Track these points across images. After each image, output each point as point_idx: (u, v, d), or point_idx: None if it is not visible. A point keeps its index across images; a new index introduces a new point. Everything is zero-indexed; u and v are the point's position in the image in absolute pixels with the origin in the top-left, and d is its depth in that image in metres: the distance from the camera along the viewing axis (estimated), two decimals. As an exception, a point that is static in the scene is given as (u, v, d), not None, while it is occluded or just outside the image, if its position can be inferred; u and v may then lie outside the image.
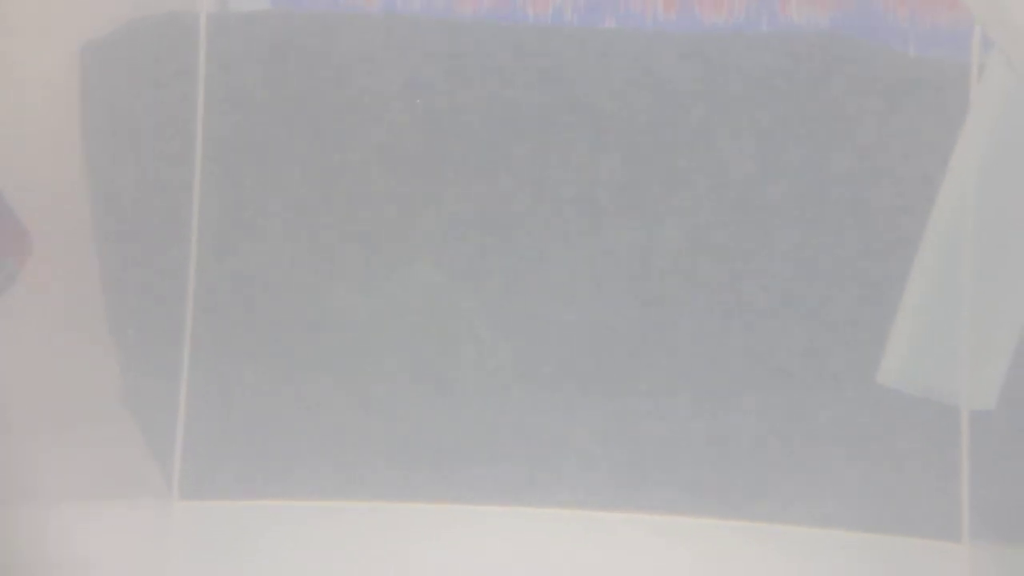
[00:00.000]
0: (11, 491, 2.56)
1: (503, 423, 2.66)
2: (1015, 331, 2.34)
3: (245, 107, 2.71)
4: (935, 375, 2.36)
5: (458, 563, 2.56)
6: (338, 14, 2.76)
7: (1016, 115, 2.30)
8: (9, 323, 2.58)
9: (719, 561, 2.57)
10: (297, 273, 2.69)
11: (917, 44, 2.67)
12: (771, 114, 2.63)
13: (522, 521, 2.61)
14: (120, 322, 2.69)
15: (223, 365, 2.66)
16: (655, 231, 2.66)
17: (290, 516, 2.59)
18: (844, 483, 2.59)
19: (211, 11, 2.74)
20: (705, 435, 2.62)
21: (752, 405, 2.62)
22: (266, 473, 2.64)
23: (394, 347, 2.67)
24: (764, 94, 2.64)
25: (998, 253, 2.34)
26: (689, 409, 2.63)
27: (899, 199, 2.57)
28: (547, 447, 2.65)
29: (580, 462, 2.65)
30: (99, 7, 2.77)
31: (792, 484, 2.61)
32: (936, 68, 2.61)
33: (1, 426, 2.59)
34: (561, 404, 2.65)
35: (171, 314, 2.66)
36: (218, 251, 2.68)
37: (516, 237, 2.68)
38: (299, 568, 2.53)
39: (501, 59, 2.68)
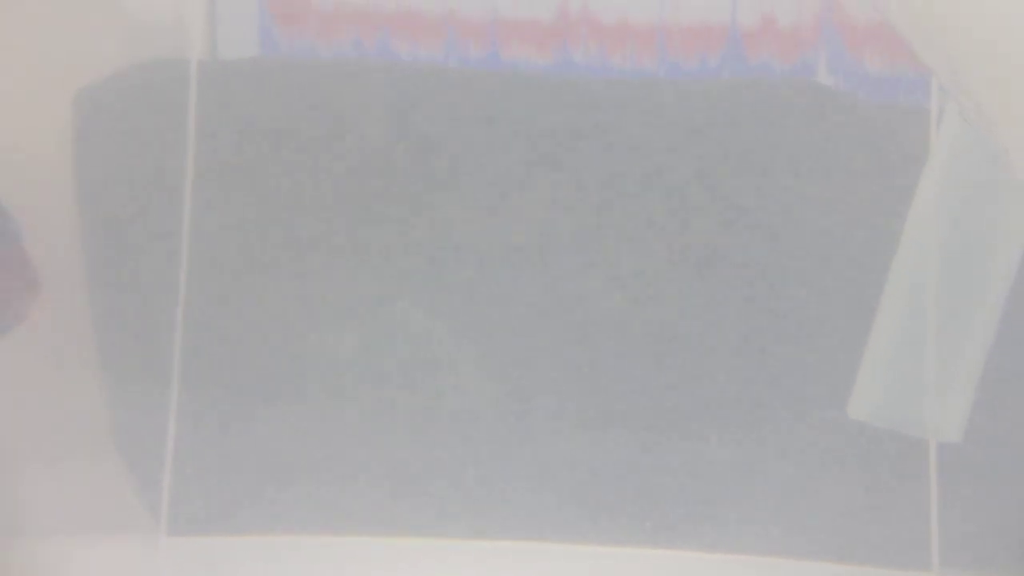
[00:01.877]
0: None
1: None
2: (978, 365, 2.39)
3: (236, 151, 2.75)
4: (903, 408, 2.40)
5: None
6: (328, 62, 2.80)
7: (973, 156, 2.35)
8: (1, 360, 2.61)
9: None
10: (285, 311, 2.72)
11: (881, 90, 2.72)
12: (734, 159, 2.67)
13: (510, 555, 2.63)
14: (110, 359, 2.72)
15: (211, 402, 2.68)
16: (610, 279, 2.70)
17: (277, 551, 2.60)
18: (816, 513, 2.62)
19: (202, 58, 2.79)
20: (679, 465, 2.65)
21: (720, 436, 2.65)
22: (253, 508, 2.65)
23: (379, 380, 2.69)
24: (728, 139, 2.67)
25: (961, 290, 2.39)
26: (673, 440, 2.65)
27: (863, 240, 2.61)
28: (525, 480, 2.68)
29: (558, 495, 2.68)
30: (93, 53, 2.81)
31: (762, 514, 2.63)
32: (899, 113, 2.66)
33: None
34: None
35: (160, 352, 2.69)
36: (207, 293, 2.72)
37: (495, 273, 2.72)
38: None
39: (487, 108, 2.72)
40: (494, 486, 2.66)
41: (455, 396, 2.68)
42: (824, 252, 2.62)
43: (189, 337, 2.68)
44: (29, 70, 2.77)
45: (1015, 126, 1.84)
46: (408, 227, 2.72)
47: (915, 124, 2.58)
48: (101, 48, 2.81)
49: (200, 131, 2.75)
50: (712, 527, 2.63)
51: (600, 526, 2.64)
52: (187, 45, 2.80)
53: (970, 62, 1.87)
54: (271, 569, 2.58)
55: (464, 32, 2.83)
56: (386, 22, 2.84)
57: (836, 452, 2.59)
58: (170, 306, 2.69)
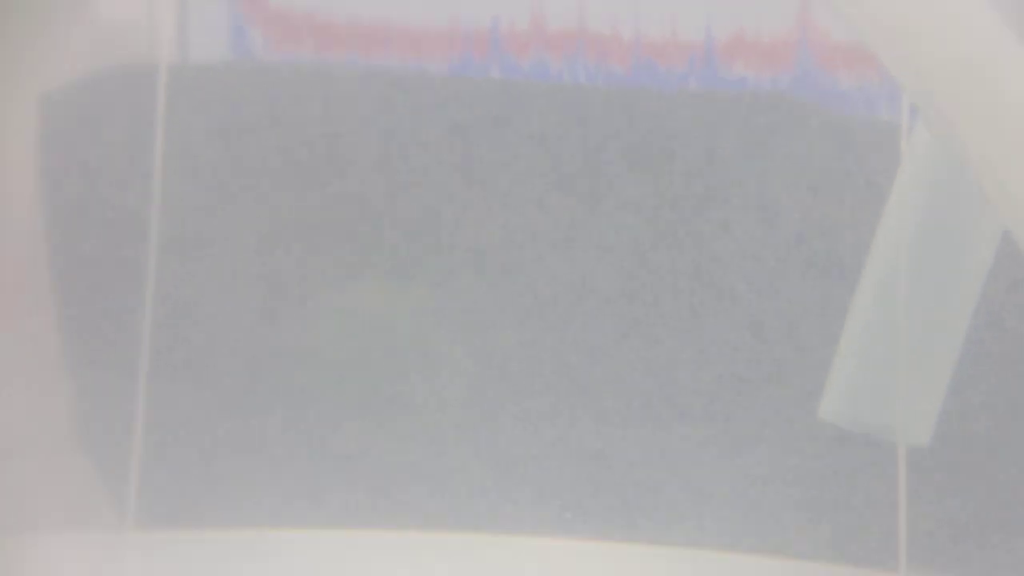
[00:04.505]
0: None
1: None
2: (948, 369, 2.44)
3: (204, 158, 2.76)
4: (873, 412, 2.44)
5: None
6: (302, 67, 2.82)
7: (943, 163, 2.41)
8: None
9: None
10: (255, 302, 2.73)
11: (852, 104, 2.77)
12: (706, 172, 2.71)
13: (484, 548, 2.64)
14: (75, 351, 2.71)
15: (177, 396, 2.69)
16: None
17: (247, 545, 2.59)
18: (781, 508, 2.65)
19: (172, 62, 2.79)
20: (643, 457, 2.68)
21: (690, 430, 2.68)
22: (222, 502, 2.66)
23: (348, 374, 2.70)
24: (699, 152, 2.72)
25: (931, 295, 2.44)
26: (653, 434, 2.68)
27: (836, 247, 2.66)
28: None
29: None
30: (59, 57, 2.81)
31: (726, 509, 2.66)
32: (871, 127, 2.72)
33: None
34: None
35: (127, 343, 2.68)
36: (173, 294, 2.72)
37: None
38: None
39: (467, 114, 2.75)
40: (466, 478, 2.69)
41: (429, 387, 2.70)
42: (797, 260, 2.68)
43: (157, 329, 2.69)
44: (-7, 72, 2.77)
45: (982, 146, 1.89)
46: (381, 225, 2.75)
47: (887, 137, 2.64)
48: (68, 51, 2.81)
49: (170, 135, 2.76)
50: (673, 520, 2.67)
51: (564, 519, 2.67)
52: (157, 48, 2.81)
53: (938, 80, 1.92)
54: (242, 563, 2.57)
55: (432, 40, 2.86)
56: (359, 31, 2.87)
57: (805, 450, 2.63)
58: (138, 300, 2.70)
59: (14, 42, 2.77)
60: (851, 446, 2.57)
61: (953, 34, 1.93)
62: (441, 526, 2.65)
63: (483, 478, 2.72)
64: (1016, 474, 2.59)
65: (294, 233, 2.74)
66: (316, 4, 2.84)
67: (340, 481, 2.68)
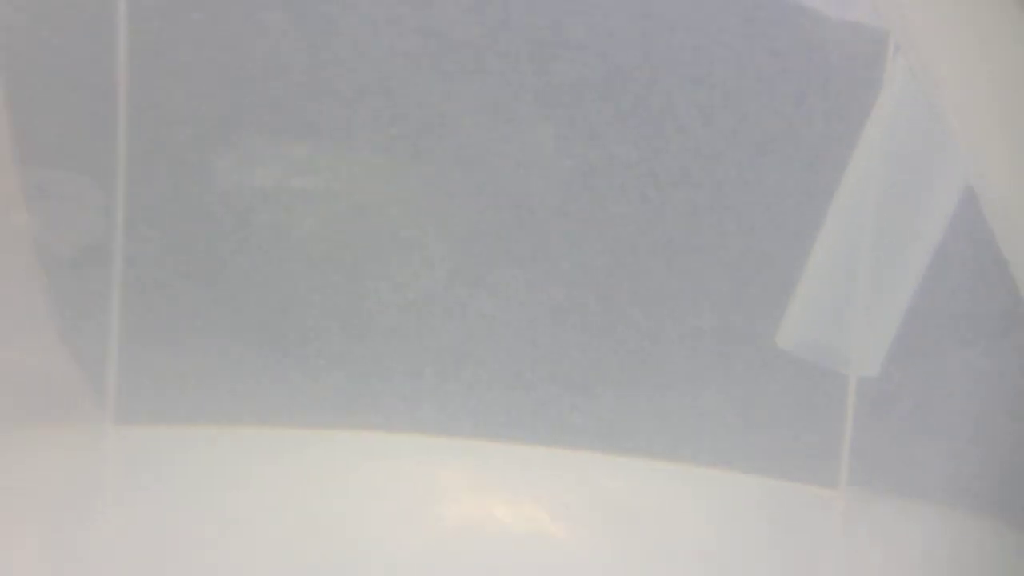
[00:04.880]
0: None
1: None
2: (903, 305, 2.55)
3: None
4: (827, 343, 2.55)
5: (382, 488, 2.66)
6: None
7: (919, 104, 2.49)
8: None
9: (595, 494, 2.71)
10: (230, 193, 2.73)
11: (836, 6, 2.78)
12: (684, 74, 2.75)
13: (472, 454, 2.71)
14: (48, 245, 2.72)
15: (156, 291, 2.71)
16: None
17: (227, 441, 2.66)
18: (722, 421, 2.74)
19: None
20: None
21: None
22: (202, 398, 2.68)
23: (334, 262, 2.72)
24: (678, 53, 2.75)
25: (896, 233, 2.54)
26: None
27: (812, 161, 2.71)
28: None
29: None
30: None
31: (668, 420, 2.74)
32: (854, 31, 2.73)
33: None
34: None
35: (102, 235, 2.71)
36: (149, 175, 2.72)
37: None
38: (234, 491, 2.61)
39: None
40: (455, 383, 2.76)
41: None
42: (771, 174, 2.72)
43: (132, 222, 2.71)
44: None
45: (956, 88, 1.96)
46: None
47: (872, 44, 2.67)
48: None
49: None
50: (606, 429, 2.74)
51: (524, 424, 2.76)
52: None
53: (921, 28, 1.99)
54: (219, 458, 2.64)
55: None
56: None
57: (757, 370, 2.72)
58: (110, 188, 2.71)
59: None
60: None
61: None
62: (433, 429, 2.70)
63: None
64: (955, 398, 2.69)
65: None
66: None
67: (322, 377, 2.74)
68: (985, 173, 1.93)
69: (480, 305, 2.75)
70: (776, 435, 2.72)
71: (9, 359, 2.65)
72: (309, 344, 2.72)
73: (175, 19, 2.75)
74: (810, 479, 2.68)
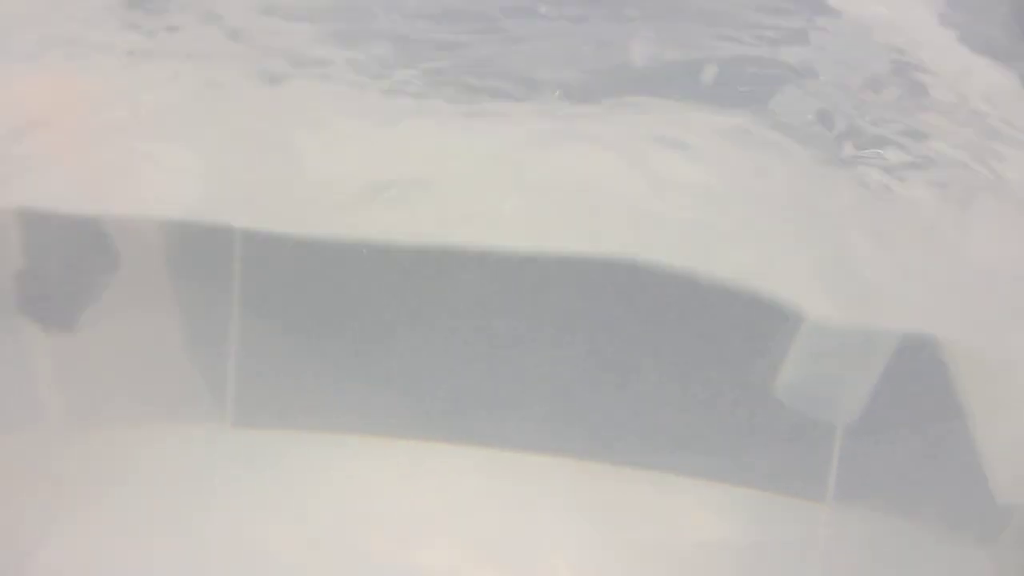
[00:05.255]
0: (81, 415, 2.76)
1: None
2: (882, 363, 2.65)
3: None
4: (817, 400, 2.65)
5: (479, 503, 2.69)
6: None
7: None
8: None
9: (578, 503, 2.67)
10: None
11: None
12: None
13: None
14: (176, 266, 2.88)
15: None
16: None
17: (342, 448, 2.73)
18: (713, 433, 2.73)
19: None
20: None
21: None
22: (317, 404, 2.77)
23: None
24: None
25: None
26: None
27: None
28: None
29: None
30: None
31: (657, 433, 2.73)
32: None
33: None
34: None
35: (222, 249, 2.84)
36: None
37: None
38: (343, 497, 2.67)
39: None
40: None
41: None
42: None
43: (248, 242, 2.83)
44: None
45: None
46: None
47: None
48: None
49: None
50: (594, 442, 2.73)
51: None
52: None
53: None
54: (337, 464, 2.70)
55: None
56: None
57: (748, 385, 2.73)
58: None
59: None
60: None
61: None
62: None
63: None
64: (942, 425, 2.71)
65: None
66: None
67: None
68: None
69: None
70: (764, 449, 2.71)
71: (144, 364, 2.79)
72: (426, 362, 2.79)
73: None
74: (798, 493, 2.67)
